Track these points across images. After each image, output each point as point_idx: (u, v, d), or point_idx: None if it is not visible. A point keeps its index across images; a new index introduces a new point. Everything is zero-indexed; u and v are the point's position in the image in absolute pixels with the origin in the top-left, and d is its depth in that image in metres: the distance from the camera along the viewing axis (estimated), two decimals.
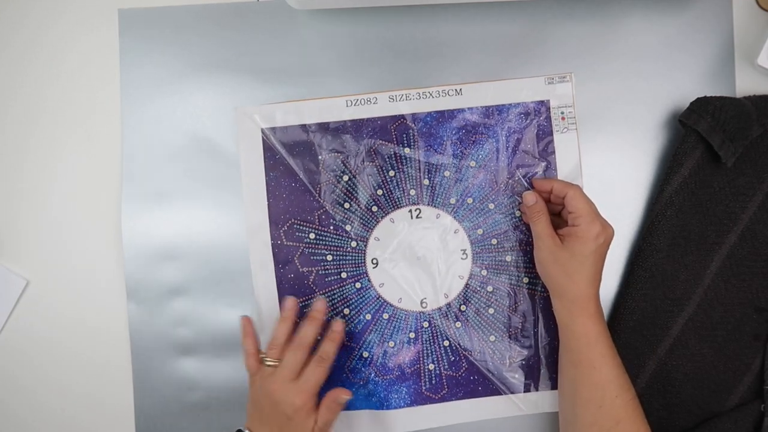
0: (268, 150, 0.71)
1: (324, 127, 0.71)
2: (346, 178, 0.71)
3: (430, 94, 0.71)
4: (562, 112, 0.71)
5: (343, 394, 0.65)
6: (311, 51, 0.72)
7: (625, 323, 0.70)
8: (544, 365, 0.71)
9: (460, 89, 0.71)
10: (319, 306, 0.68)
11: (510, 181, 0.71)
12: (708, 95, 0.69)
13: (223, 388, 0.72)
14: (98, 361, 0.73)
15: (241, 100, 0.72)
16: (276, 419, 0.63)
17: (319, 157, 0.71)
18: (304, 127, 0.71)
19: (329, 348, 0.66)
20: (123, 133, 0.73)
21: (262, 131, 0.71)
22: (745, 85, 0.72)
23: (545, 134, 0.71)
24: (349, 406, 0.71)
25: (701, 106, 0.68)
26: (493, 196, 0.71)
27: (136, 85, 0.72)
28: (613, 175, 0.72)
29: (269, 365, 0.65)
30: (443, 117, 0.71)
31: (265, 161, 0.71)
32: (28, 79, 0.73)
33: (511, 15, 0.72)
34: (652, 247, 0.69)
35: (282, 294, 0.71)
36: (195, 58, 0.72)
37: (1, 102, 0.73)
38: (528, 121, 0.71)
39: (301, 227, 0.71)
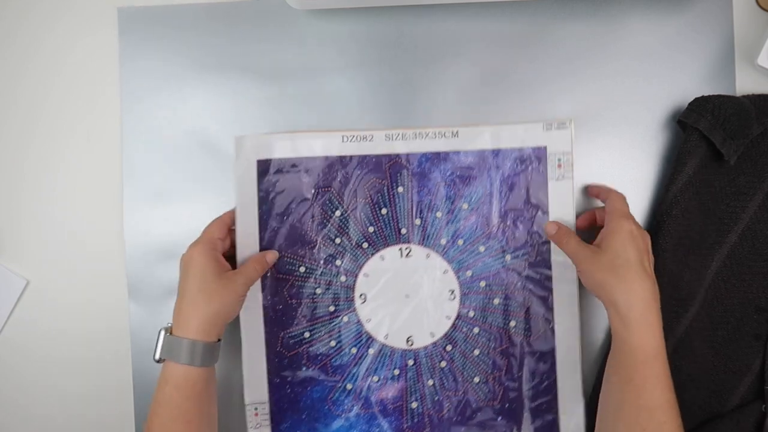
0: (262, 181, 0.71)
1: (319, 162, 0.71)
2: (338, 213, 0.71)
3: (426, 135, 0.71)
4: (559, 159, 0.70)
5: (271, 255, 0.68)
6: (311, 51, 0.73)
7: None
8: (527, 410, 0.71)
9: (457, 132, 0.71)
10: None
11: (501, 225, 0.71)
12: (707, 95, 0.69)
13: (222, 389, 0.72)
14: (98, 361, 0.73)
15: (241, 100, 0.72)
16: (181, 291, 0.64)
17: (313, 191, 0.71)
18: (299, 160, 0.71)
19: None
20: (123, 133, 0.73)
21: (258, 162, 0.70)
22: (745, 85, 0.72)
23: (540, 181, 0.70)
24: None
25: (700, 104, 0.68)
26: (484, 239, 0.71)
27: (136, 84, 0.73)
28: (613, 175, 0.72)
29: None
30: (438, 158, 0.71)
31: (258, 192, 0.70)
32: (28, 79, 0.73)
33: (512, 15, 0.72)
34: (658, 247, 0.69)
35: (268, 325, 0.71)
36: (195, 57, 0.72)
37: (0, 102, 0.73)
38: (523, 167, 0.70)
39: (291, 260, 0.71)
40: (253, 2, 0.72)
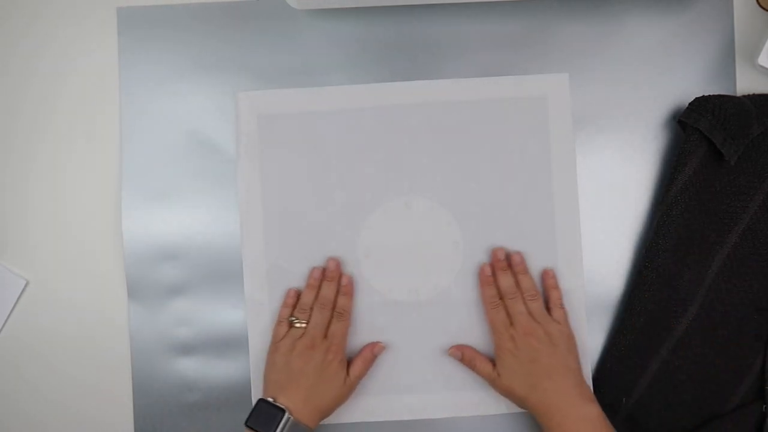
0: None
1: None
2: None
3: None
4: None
5: (378, 347, 0.70)
6: (311, 51, 0.73)
7: (633, 325, 0.69)
8: None
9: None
10: (332, 265, 0.70)
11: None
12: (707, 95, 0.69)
13: (223, 388, 0.72)
14: (98, 361, 0.73)
15: None
16: (307, 378, 0.66)
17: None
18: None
19: (344, 302, 0.70)
20: (123, 133, 0.73)
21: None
22: (746, 84, 0.72)
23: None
24: None
25: (700, 104, 0.68)
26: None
27: (136, 84, 0.73)
28: (614, 175, 0.72)
29: (298, 327, 0.69)
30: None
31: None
32: (27, 79, 0.73)
33: (512, 14, 0.72)
34: (658, 247, 0.69)
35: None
36: (195, 57, 0.72)
37: (0, 102, 0.73)
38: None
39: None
40: (253, 3, 0.72)
